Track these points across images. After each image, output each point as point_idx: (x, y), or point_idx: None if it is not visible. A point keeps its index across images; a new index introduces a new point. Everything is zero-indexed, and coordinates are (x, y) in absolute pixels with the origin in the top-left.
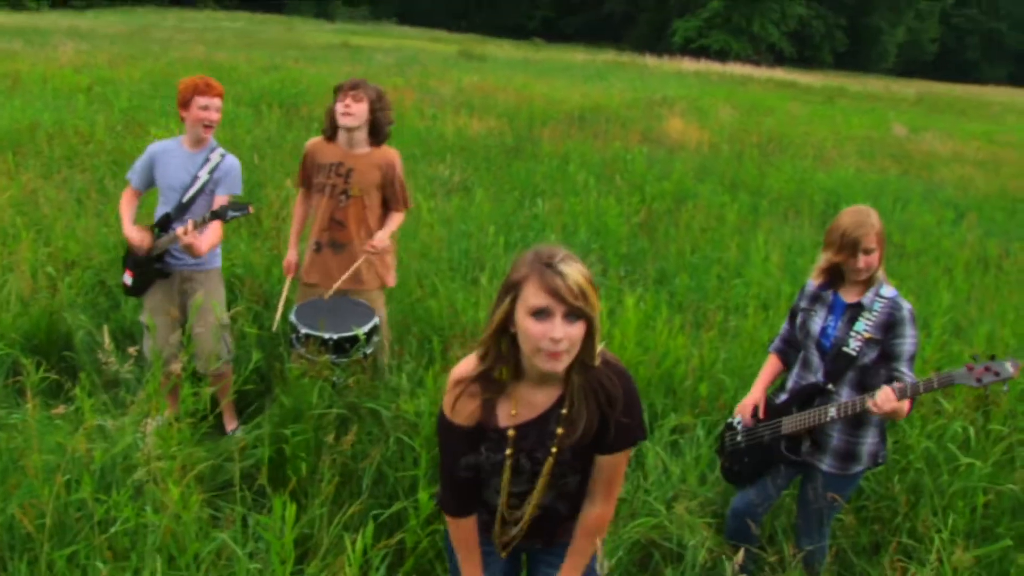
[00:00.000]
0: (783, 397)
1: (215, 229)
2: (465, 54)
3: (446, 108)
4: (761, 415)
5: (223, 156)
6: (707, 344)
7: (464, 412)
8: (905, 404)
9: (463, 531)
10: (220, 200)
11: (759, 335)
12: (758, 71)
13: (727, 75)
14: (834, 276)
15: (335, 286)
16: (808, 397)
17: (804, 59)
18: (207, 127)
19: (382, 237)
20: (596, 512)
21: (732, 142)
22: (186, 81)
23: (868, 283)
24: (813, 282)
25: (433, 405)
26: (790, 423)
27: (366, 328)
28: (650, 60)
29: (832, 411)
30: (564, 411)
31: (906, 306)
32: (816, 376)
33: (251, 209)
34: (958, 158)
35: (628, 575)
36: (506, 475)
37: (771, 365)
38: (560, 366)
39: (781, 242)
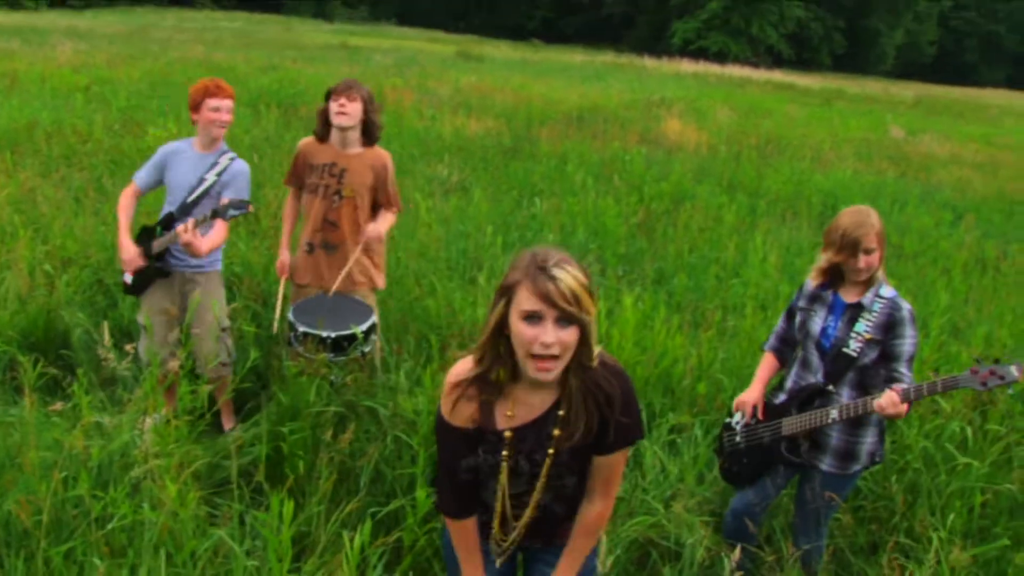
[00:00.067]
0: (782, 397)
1: (218, 231)
2: (463, 55)
3: (444, 108)
4: (760, 415)
5: (232, 160)
6: (705, 344)
7: (463, 414)
8: (905, 405)
9: (463, 532)
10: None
11: (757, 335)
12: (756, 73)
13: (725, 77)
14: (834, 276)
15: (334, 287)
16: (808, 398)
17: (802, 61)
18: (219, 128)
19: (378, 227)
20: (594, 511)
21: (730, 143)
22: (196, 85)
23: (868, 283)
24: (812, 282)
25: (431, 403)
26: (791, 424)
27: (364, 326)
28: (648, 61)
29: (834, 413)
30: (561, 413)
31: (906, 306)
32: (816, 376)
33: (251, 208)
34: (956, 160)
35: (626, 574)
36: (503, 477)
37: (769, 364)
38: (550, 376)
39: (779, 243)
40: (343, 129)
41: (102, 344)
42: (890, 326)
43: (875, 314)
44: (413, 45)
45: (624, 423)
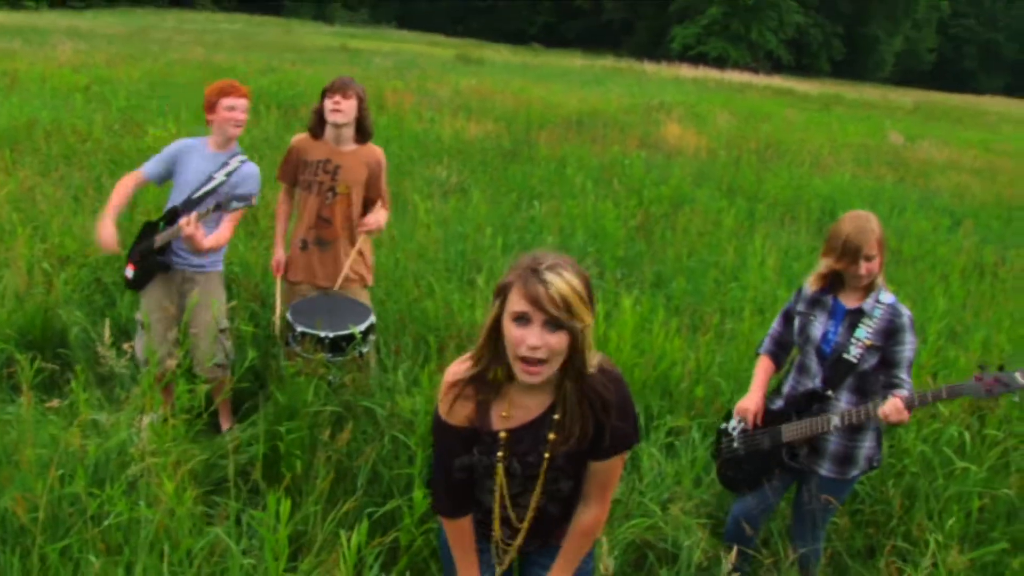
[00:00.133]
0: (779, 403)
1: (223, 230)
2: (463, 58)
3: (444, 111)
4: (759, 421)
5: (242, 162)
6: (703, 347)
7: (460, 414)
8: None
9: (459, 531)
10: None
11: (755, 338)
12: (756, 78)
13: (725, 82)
14: (833, 280)
15: (337, 284)
16: (807, 403)
17: (802, 67)
18: (235, 127)
19: (379, 219)
20: (590, 515)
21: (729, 148)
22: (212, 86)
23: (868, 288)
24: (811, 287)
25: (429, 404)
26: (791, 431)
27: (363, 327)
28: (648, 66)
29: (836, 420)
30: (557, 417)
31: (906, 312)
32: (814, 382)
33: (255, 200)
34: (954, 166)
35: (623, 575)
36: (500, 478)
37: (766, 367)
38: (536, 379)
39: (778, 247)
40: (338, 126)
41: (102, 342)
42: (890, 332)
43: (876, 320)
44: (413, 48)
45: (620, 429)
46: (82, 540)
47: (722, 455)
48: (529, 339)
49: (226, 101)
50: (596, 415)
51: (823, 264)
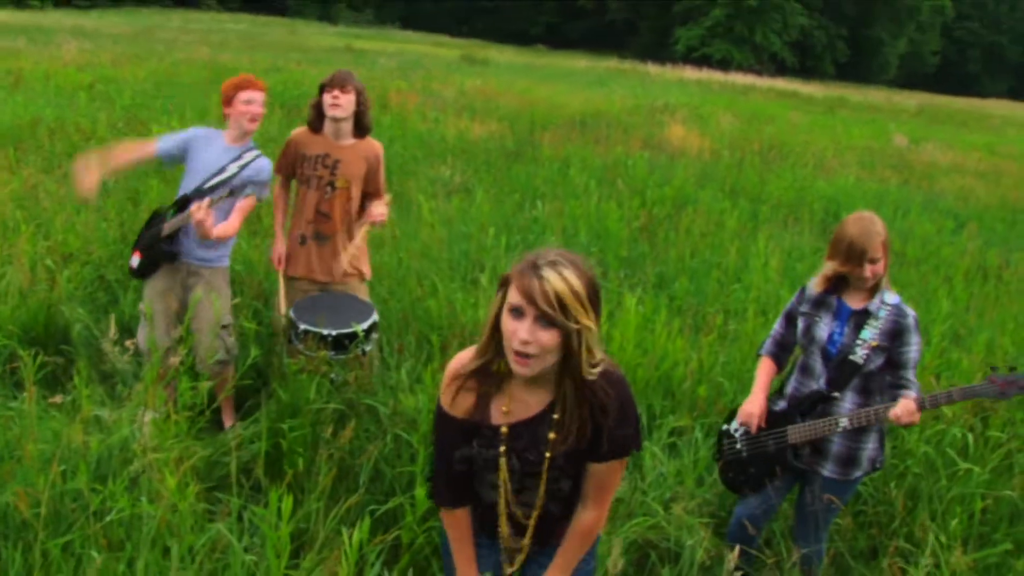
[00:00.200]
0: (782, 404)
1: (232, 220)
2: (467, 59)
3: (448, 111)
4: (762, 423)
5: (256, 157)
6: (706, 347)
7: (462, 406)
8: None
9: (456, 522)
10: (246, 199)
11: (758, 339)
12: (760, 80)
13: (729, 84)
14: (837, 281)
15: (344, 261)
16: (811, 404)
17: (806, 69)
18: (252, 120)
19: (382, 210)
20: (588, 516)
21: (733, 149)
22: (229, 81)
23: (873, 289)
24: (814, 287)
25: (431, 402)
26: (797, 433)
27: (366, 325)
28: (652, 68)
29: (844, 421)
30: (556, 416)
31: (911, 313)
32: (818, 383)
33: (266, 193)
34: (958, 169)
35: (625, 575)
36: (503, 474)
37: (768, 369)
38: (526, 371)
39: (781, 248)
40: (336, 121)
41: (107, 337)
42: (896, 333)
43: (881, 321)
44: (417, 49)
45: (619, 434)
46: (84, 536)
47: (724, 457)
48: (521, 333)
49: (243, 95)
50: (594, 417)
51: (828, 267)
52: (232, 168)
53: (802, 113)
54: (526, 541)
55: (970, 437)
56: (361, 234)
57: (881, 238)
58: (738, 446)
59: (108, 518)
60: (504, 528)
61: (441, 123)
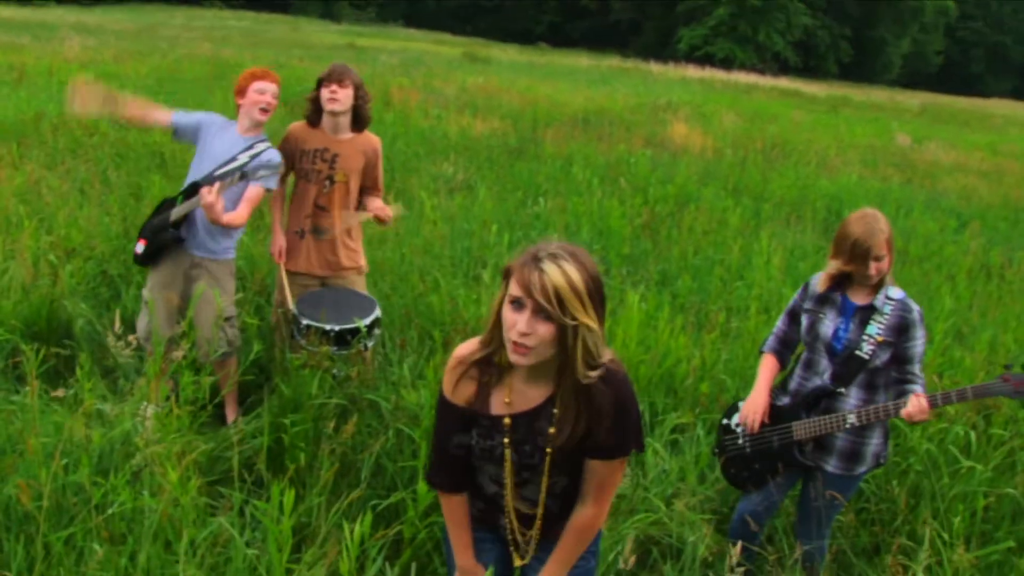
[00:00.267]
0: (785, 400)
1: (241, 209)
2: (470, 57)
3: (450, 108)
4: (766, 419)
5: (267, 148)
6: (708, 345)
7: (463, 394)
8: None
9: (453, 508)
10: (254, 189)
11: (761, 337)
12: (763, 79)
13: (732, 83)
14: (841, 278)
15: (342, 223)
16: (815, 400)
17: (809, 69)
18: (263, 111)
19: (386, 209)
20: (586, 514)
21: (736, 148)
22: (243, 73)
23: (877, 285)
24: (818, 285)
25: (433, 397)
26: (803, 429)
27: (368, 320)
28: (655, 66)
29: (852, 418)
30: (556, 411)
31: (915, 308)
32: (822, 378)
33: (275, 183)
34: (961, 168)
35: (627, 571)
36: (507, 465)
37: (771, 366)
38: (523, 361)
39: (783, 246)
40: (335, 115)
41: (111, 331)
42: (902, 328)
43: (886, 316)
44: (420, 46)
45: (616, 434)
46: (86, 529)
47: (726, 452)
48: (520, 324)
49: (257, 84)
50: (589, 416)
51: (832, 266)
52: (243, 158)
53: (805, 112)
54: (534, 532)
55: (972, 435)
56: (362, 216)
57: (885, 235)
58: (741, 442)
59: (110, 511)
60: (514, 521)
61: (443, 120)
